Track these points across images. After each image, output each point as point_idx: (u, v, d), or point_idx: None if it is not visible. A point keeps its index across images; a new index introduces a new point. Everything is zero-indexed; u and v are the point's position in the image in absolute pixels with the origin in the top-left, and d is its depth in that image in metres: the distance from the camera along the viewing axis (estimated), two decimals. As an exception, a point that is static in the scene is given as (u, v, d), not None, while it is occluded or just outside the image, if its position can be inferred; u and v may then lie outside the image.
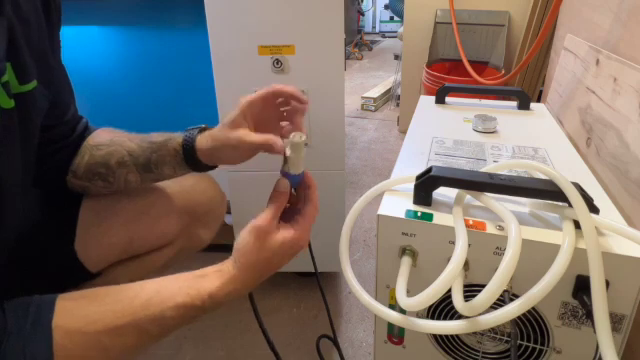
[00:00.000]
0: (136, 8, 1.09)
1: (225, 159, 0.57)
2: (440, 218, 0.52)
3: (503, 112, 0.91)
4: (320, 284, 0.66)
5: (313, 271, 0.64)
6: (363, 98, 2.84)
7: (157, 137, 0.60)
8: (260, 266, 0.47)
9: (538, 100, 1.67)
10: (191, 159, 0.58)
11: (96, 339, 0.41)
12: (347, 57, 4.55)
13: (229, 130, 0.54)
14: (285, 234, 0.48)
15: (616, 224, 0.45)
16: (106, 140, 0.62)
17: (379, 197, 0.59)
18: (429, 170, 0.53)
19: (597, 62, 0.86)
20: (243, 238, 0.47)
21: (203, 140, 0.57)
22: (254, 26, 0.81)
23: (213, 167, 0.59)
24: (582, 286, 0.46)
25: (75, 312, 0.41)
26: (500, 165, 0.58)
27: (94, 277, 0.63)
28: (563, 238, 0.45)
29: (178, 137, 0.58)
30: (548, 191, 0.48)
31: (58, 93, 0.57)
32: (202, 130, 0.58)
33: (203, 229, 0.74)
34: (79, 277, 0.61)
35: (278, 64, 0.84)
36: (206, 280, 0.46)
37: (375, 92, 2.89)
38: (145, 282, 0.45)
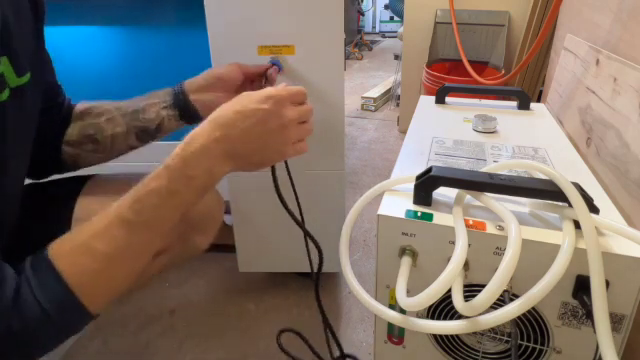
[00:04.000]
0: (135, 7, 1.09)
1: (214, 99, 0.67)
2: (440, 218, 0.52)
3: (503, 112, 0.91)
4: (317, 284, 0.66)
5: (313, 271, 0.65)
6: (363, 98, 2.84)
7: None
8: (232, 115, 0.48)
9: (538, 100, 1.67)
10: (180, 100, 0.68)
11: (86, 245, 0.41)
12: (347, 57, 4.55)
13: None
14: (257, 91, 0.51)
15: (616, 224, 0.45)
16: (92, 104, 0.68)
17: (379, 197, 0.59)
18: (429, 170, 0.53)
19: (597, 62, 0.86)
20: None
21: (192, 81, 0.70)
22: (254, 26, 0.81)
23: (201, 118, 0.59)
24: (582, 286, 0.46)
25: (64, 239, 0.43)
26: (500, 165, 0.58)
27: None
28: (563, 238, 0.45)
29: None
30: (548, 191, 0.48)
31: (48, 79, 0.61)
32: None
33: (199, 235, 0.71)
34: None
35: (278, 64, 0.84)
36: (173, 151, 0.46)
37: (375, 92, 2.89)
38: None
